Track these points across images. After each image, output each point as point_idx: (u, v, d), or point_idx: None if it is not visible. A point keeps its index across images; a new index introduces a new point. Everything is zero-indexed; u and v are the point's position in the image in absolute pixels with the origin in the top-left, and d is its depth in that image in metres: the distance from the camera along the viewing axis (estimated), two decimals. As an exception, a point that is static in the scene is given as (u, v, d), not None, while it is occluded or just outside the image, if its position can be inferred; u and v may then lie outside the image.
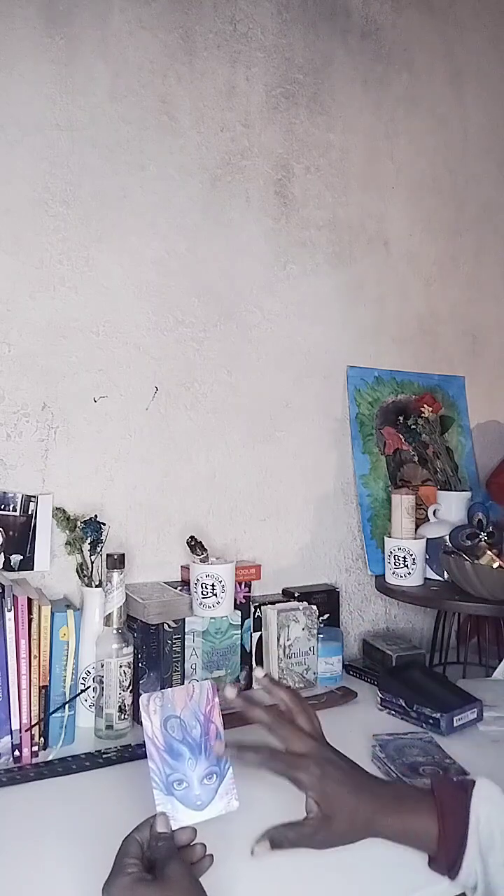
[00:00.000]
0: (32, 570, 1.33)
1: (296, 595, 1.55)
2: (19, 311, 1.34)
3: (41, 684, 1.18)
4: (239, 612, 1.40)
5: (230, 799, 0.82)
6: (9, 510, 1.31)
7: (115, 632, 1.25)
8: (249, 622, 1.46)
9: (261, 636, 1.47)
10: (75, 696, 1.22)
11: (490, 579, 1.40)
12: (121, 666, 1.24)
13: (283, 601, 1.52)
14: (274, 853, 0.77)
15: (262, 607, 1.47)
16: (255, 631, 1.46)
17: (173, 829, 0.77)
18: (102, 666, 1.24)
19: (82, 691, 1.25)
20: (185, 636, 1.34)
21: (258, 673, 0.87)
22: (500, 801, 0.81)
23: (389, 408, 1.77)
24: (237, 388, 1.57)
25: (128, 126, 1.44)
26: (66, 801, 1.02)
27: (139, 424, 1.46)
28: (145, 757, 0.81)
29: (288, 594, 1.57)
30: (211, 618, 1.35)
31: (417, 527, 1.61)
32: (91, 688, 1.26)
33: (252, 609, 1.46)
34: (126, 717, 1.24)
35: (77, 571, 1.33)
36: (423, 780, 1.05)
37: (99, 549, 1.32)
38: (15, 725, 1.14)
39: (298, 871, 0.87)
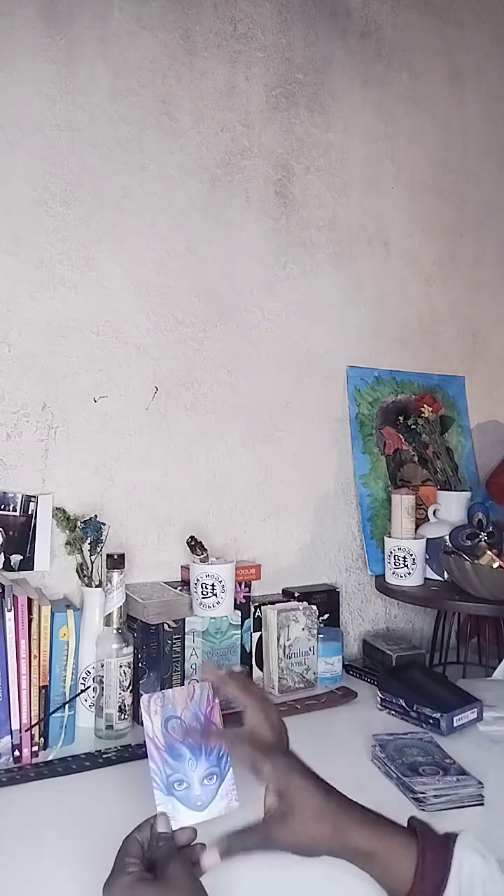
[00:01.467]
0: (32, 570, 1.33)
1: (296, 595, 1.55)
2: (19, 311, 1.34)
3: (41, 684, 1.18)
4: (239, 612, 1.40)
5: (230, 800, 0.82)
6: (9, 510, 1.31)
7: (115, 632, 1.25)
8: (249, 622, 1.46)
9: (261, 636, 1.47)
10: (75, 696, 1.22)
11: (490, 579, 1.40)
12: (121, 666, 1.24)
13: (283, 601, 1.52)
14: (226, 862, 0.73)
15: (262, 607, 1.47)
16: (255, 631, 1.47)
17: (174, 829, 0.77)
18: (102, 666, 1.24)
19: (82, 691, 1.25)
20: (185, 636, 1.34)
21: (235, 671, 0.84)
22: (484, 854, 0.73)
23: (389, 408, 1.77)
24: (237, 388, 1.57)
25: (128, 126, 1.44)
26: (66, 801, 1.02)
27: (139, 424, 1.46)
28: (145, 757, 0.81)
29: (288, 594, 1.57)
30: (211, 618, 1.35)
31: (417, 527, 1.61)
32: (91, 688, 1.26)
33: (252, 609, 1.46)
34: (126, 717, 1.24)
35: (77, 571, 1.33)
36: (422, 780, 1.05)
37: (99, 549, 1.32)
38: (15, 725, 1.14)
39: (299, 871, 0.87)
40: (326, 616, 1.57)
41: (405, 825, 0.76)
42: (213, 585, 1.34)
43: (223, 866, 0.78)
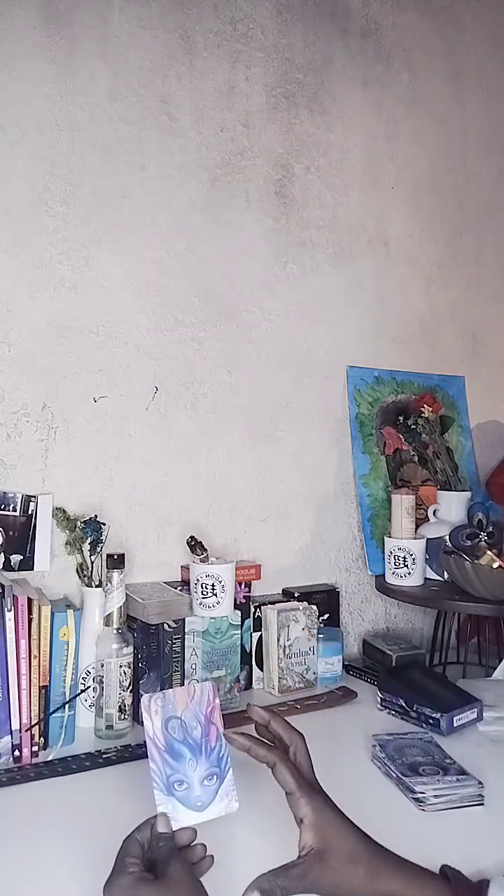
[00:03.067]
0: (32, 570, 1.33)
1: (296, 595, 1.55)
2: (19, 311, 1.34)
3: (41, 684, 1.18)
4: (239, 612, 1.40)
5: (230, 800, 0.82)
6: (9, 510, 1.31)
7: (115, 632, 1.25)
8: (249, 622, 1.46)
9: (261, 636, 1.47)
10: (75, 696, 1.22)
11: (490, 579, 1.40)
12: (121, 666, 1.24)
13: (283, 601, 1.52)
14: None
15: (262, 607, 1.47)
16: (255, 631, 1.47)
17: (174, 829, 0.77)
18: (102, 666, 1.24)
19: (82, 691, 1.25)
20: (185, 636, 1.34)
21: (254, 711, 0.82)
22: None
23: (389, 408, 1.77)
24: (237, 388, 1.57)
25: (128, 126, 1.44)
26: (66, 801, 1.02)
27: (139, 424, 1.46)
28: (145, 757, 0.81)
29: (288, 594, 1.57)
30: (211, 618, 1.35)
31: (417, 527, 1.61)
32: (91, 688, 1.26)
33: (252, 609, 1.46)
34: (126, 717, 1.24)
35: (77, 571, 1.33)
36: (422, 780, 1.05)
37: (99, 549, 1.32)
38: (15, 725, 1.14)
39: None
40: (326, 616, 1.57)
41: (435, 872, 0.76)
42: (213, 585, 1.34)
43: (221, 867, 0.78)
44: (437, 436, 1.71)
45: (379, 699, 1.36)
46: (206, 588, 1.34)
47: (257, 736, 0.81)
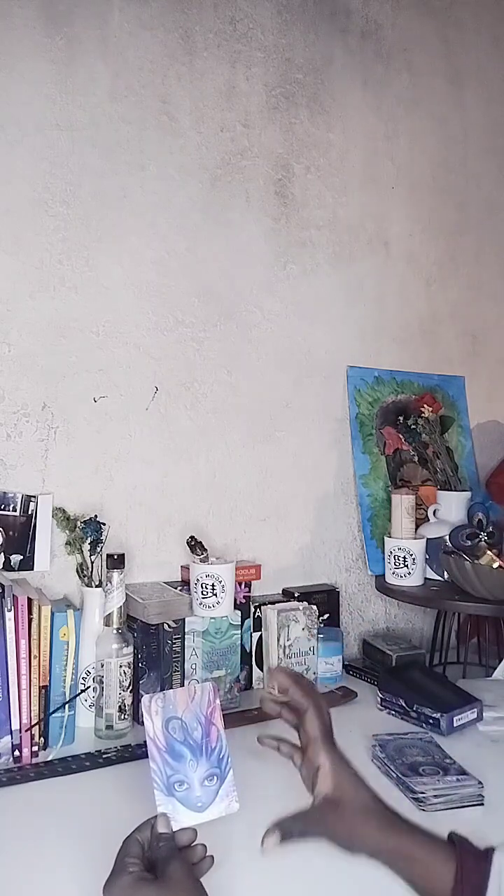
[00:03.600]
0: (32, 570, 1.33)
1: (296, 595, 1.55)
2: (19, 311, 1.34)
3: (41, 684, 1.18)
4: (239, 612, 1.40)
5: (231, 801, 0.82)
6: (9, 510, 1.31)
7: (115, 632, 1.25)
8: (249, 622, 1.46)
9: (261, 636, 1.47)
10: (75, 696, 1.22)
11: (490, 579, 1.40)
12: (121, 666, 1.24)
13: (283, 601, 1.52)
14: (284, 847, 0.74)
15: (262, 607, 1.47)
16: (255, 631, 1.47)
17: (174, 829, 0.77)
18: (102, 666, 1.24)
19: (82, 691, 1.25)
20: (185, 636, 1.34)
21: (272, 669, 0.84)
22: None
23: (389, 408, 1.77)
24: (237, 388, 1.57)
25: (128, 126, 1.44)
26: (66, 801, 1.02)
27: (139, 424, 1.46)
28: (145, 757, 0.81)
29: (288, 594, 1.57)
30: (211, 618, 1.35)
31: (417, 527, 1.61)
32: (91, 688, 1.26)
33: (252, 609, 1.46)
34: (126, 717, 1.24)
35: (77, 571, 1.33)
36: (422, 780, 1.05)
37: (99, 549, 1.32)
38: (15, 725, 1.14)
39: (299, 871, 0.87)
40: (326, 616, 1.57)
41: (441, 837, 0.77)
42: (213, 585, 1.34)
43: (222, 867, 0.78)
44: (437, 436, 1.71)
45: (379, 699, 1.36)
46: (206, 588, 1.34)
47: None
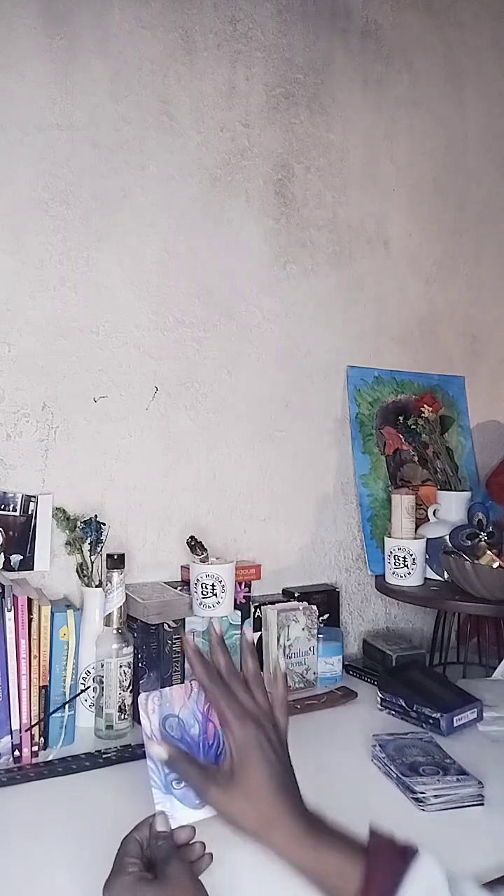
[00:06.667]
0: (32, 570, 1.33)
1: (296, 595, 1.55)
2: (19, 311, 1.34)
3: (41, 684, 1.18)
4: (239, 612, 1.40)
5: (229, 798, 0.81)
6: (9, 510, 1.31)
7: (115, 632, 1.25)
8: (249, 622, 1.46)
9: (261, 636, 1.47)
10: (75, 696, 1.22)
11: (490, 579, 1.40)
12: (121, 666, 1.24)
13: (283, 601, 1.52)
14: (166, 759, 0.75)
15: (262, 607, 1.47)
16: (255, 631, 1.46)
17: (172, 827, 0.76)
18: (102, 666, 1.24)
19: (82, 691, 1.25)
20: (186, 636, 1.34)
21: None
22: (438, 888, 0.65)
23: (389, 408, 1.77)
24: (237, 388, 1.57)
25: (128, 126, 1.44)
26: (66, 801, 1.02)
27: (139, 424, 1.46)
28: (145, 757, 0.81)
29: (288, 594, 1.57)
30: (211, 618, 1.35)
31: (417, 527, 1.61)
32: (91, 688, 1.26)
33: (252, 609, 1.46)
34: (126, 717, 1.24)
35: (77, 571, 1.33)
36: (422, 780, 1.05)
37: (99, 549, 1.32)
38: (15, 725, 1.14)
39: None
40: (326, 616, 1.57)
41: (358, 840, 0.70)
42: (213, 585, 1.34)
43: (220, 865, 0.78)
44: (437, 436, 1.71)
45: (379, 699, 1.35)
46: (206, 588, 1.34)
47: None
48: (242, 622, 1.42)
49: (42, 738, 1.18)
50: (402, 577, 1.56)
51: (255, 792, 0.72)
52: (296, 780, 0.75)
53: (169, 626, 1.32)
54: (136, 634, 1.30)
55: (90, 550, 1.33)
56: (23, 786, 1.06)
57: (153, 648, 1.31)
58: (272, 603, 1.48)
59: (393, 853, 0.68)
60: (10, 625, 1.14)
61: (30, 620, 1.16)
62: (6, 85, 1.32)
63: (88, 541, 1.32)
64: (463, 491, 1.66)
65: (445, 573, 1.54)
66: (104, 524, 1.33)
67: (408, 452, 1.78)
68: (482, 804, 1.02)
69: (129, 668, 1.25)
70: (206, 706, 0.84)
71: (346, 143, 1.72)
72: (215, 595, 1.34)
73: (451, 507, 1.63)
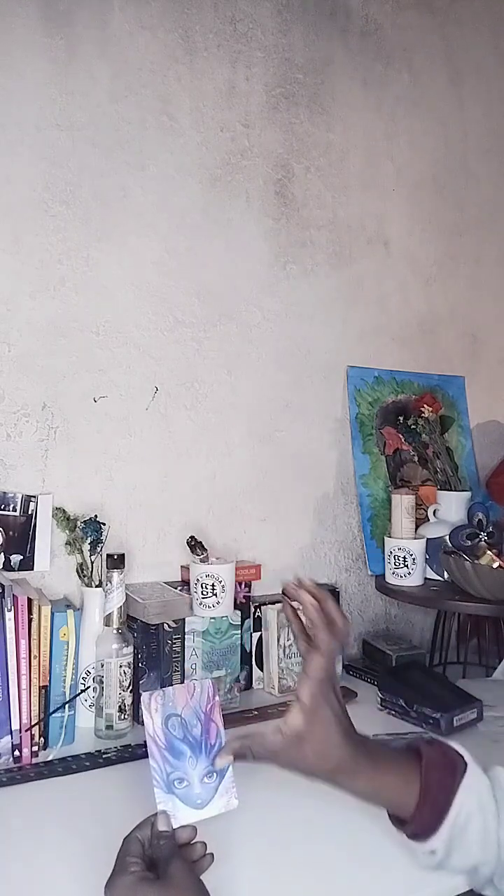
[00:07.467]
0: (32, 570, 1.33)
1: (296, 595, 1.55)
2: (19, 311, 1.34)
3: (41, 684, 1.18)
4: (239, 612, 1.40)
5: (230, 797, 0.81)
6: (9, 510, 1.31)
7: (115, 632, 1.25)
8: (249, 622, 1.46)
9: (261, 636, 1.47)
10: (75, 696, 1.22)
11: (490, 579, 1.40)
12: (121, 666, 1.24)
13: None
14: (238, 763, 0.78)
15: (262, 607, 1.47)
16: (255, 631, 1.46)
17: (174, 827, 0.76)
18: (102, 666, 1.24)
19: (82, 691, 1.25)
20: (185, 636, 1.34)
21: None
22: (485, 798, 0.78)
23: (389, 408, 1.77)
24: (237, 388, 1.57)
25: (128, 126, 1.44)
26: (66, 801, 1.02)
27: (139, 424, 1.46)
28: (145, 757, 0.80)
29: (288, 594, 1.57)
30: (211, 618, 1.35)
31: (417, 527, 1.61)
32: (91, 688, 1.26)
33: (252, 609, 1.46)
34: (126, 717, 1.24)
35: (77, 571, 1.33)
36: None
37: (99, 549, 1.32)
38: (15, 725, 1.14)
39: (299, 870, 0.87)
40: (326, 616, 1.57)
41: (413, 757, 0.80)
42: (213, 585, 1.34)
43: (221, 865, 0.78)
44: (437, 436, 1.71)
45: (379, 699, 1.35)
46: (206, 588, 1.34)
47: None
48: (242, 622, 1.42)
49: (42, 738, 1.18)
50: (402, 577, 1.56)
51: (327, 744, 0.77)
52: (346, 709, 0.81)
53: (169, 626, 1.32)
54: (136, 634, 1.30)
55: (90, 550, 1.33)
56: (23, 786, 1.06)
57: (153, 648, 1.31)
58: (272, 603, 1.48)
59: (444, 767, 0.79)
60: (10, 625, 1.14)
61: (30, 620, 1.16)
62: (6, 85, 1.32)
63: (88, 541, 1.32)
64: (463, 491, 1.66)
65: (445, 573, 1.54)
66: (104, 524, 1.33)
67: (408, 452, 1.78)
68: (482, 804, 1.02)
69: (129, 668, 1.25)
70: (208, 706, 0.84)
71: (346, 143, 1.72)
72: (215, 595, 1.34)
73: (451, 507, 1.63)
